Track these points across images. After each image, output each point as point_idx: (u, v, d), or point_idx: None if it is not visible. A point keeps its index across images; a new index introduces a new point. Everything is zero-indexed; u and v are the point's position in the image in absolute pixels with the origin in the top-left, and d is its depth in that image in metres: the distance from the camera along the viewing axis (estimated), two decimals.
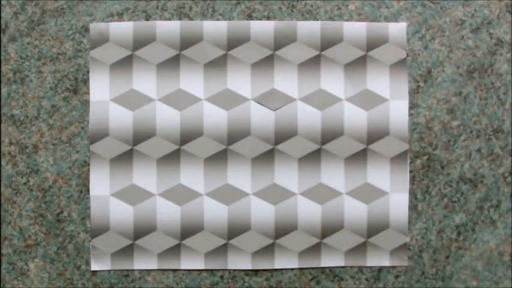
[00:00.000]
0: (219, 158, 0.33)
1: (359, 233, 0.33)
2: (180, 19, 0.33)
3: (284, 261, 0.33)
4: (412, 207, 0.33)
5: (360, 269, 0.33)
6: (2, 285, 0.32)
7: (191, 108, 0.33)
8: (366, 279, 0.33)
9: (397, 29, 0.33)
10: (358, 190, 0.33)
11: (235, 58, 0.33)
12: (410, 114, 0.33)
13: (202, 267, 0.33)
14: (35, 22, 0.33)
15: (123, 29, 0.33)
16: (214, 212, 0.32)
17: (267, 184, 0.33)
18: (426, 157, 0.33)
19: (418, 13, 0.33)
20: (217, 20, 0.33)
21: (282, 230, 0.33)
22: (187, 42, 0.33)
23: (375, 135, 0.32)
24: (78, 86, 0.33)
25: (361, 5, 0.33)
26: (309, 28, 0.33)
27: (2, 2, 0.33)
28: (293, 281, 0.33)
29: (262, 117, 0.33)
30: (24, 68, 0.33)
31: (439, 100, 0.33)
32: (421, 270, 0.33)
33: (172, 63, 0.33)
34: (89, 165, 0.33)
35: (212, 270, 0.33)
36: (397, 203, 0.33)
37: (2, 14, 0.33)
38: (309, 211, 0.32)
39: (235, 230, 0.33)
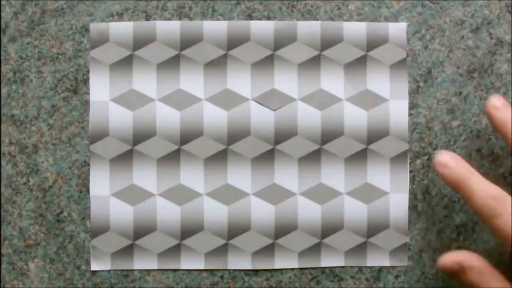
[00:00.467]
0: (219, 158, 0.33)
1: (359, 233, 0.33)
2: (180, 19, 0.33)
3: (284, 261, 0.33)
4: (412, 207, 0.33)
5: (360, 269, 0.33)
6: (2, 285, 0.32)
7: (191, 108, 0.33)
8: (366, 279, 0.33)
9: (397, 29, 0.33)
10: (358, 190, 0.33)
11: (235, 58, 0.33)
12: (410, 114, 0.33)
13: (202, 267, 0.33)
14: (35, 22, 0.33)
15: (123, 29, 0.33)
16: (214, 212, 0.32)
17: (267, 184, 0.33)
18: (426, 157, 0.33)
19: (418, 13, 0.33)
20: (217, 20, 0.33)
21: (282, 230, 0.33)
22: (187, 42, 0.33)
23: (375, 135, 0.32)
24: (78, 86, 0.33)
25: (361, 5, 0.33)
26: (309, 28, 0.33)
27: (2, 2, 0.33)
28: (293, 281, 0.33)
29: (262, 117, 0.33)
30: (24, 68, 0.33)
31: (439, 100, 0.33)
32: (421, 270, 0.33)
33: (172, 63, 0.33)
34: (89, 165, 0.33)
35: (212, 270, 0.33)
36: (397, 203, 0.33)
37: (2, 14, 0.33)
38: (309, 211, 0.32)
39: (235, 230, 0.33)
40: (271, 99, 0.33)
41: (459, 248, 0.33)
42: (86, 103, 0.33)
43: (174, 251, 0.32)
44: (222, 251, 0.33)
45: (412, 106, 0.33)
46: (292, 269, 0.33)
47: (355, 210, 0.32)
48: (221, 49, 0.33)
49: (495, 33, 0.33)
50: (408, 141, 0.33)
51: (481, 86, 0.33)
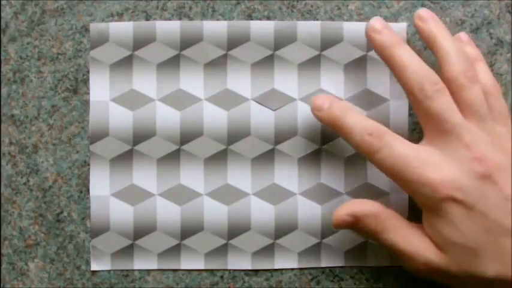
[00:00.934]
0: (219, 158, 0.33)
1: None
2: (180, 19, 0.33)
3: (284, 261, 0.33)
4: (412, 207, 0.33)
5: (360, 269, 0.33)
6: (2, 285, 0.32)
7: (191, 108, 0.33)
8: (366, 279, 0.33)
9: (397, 29, 0.33)
10: (358, 190, 0.33)
11: (235, 58, 0.33)
12: (410, 114, 0.33)
13: (202, 267, 0.33)
14: (35, 22, 0.33)
15: (123, 29, 0.33)
16: (214, 212, 0.32)
17: (267, 184, 0.33)
18: None
19: None
20: (217, 20, 0.33)
21: (282, 230, 0.33)
22: (187, 42, 0.33)
23: None
24: (78, 86, 0.33)
25: (361, 5, 0.33)
26: (309, 28, 0.33)
27: (2, 2, 0.33)
28: (293, 281, 0.33)
29: (262, 117, 0.33)
30: (24, 68, 0.33)
31: None
32: None
33: (172, 63, 0.33)
34: (89, 165, 0.33)
35: (212, 270, 0.33)
36: (397, 203, 0.33)
37: (2, 14, 0.33)
38: (308, 211, 0.32)
39: (235, 230, 0.33)
40: (271, 99, 0.33)
41: None
42: (86, 103, 0.33)
43: (174, 251, 0.32)
44: (222, 251, 0.33)
45: None
46: (292, 269, 0.33)
47: None
48: (221, 49, 0.33)
49: (495, 33, 0.33)
50: None
51: None
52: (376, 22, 0.30)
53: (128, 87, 0.33)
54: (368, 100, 0.33)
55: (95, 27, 0.33)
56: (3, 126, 0.33)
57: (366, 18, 0.33)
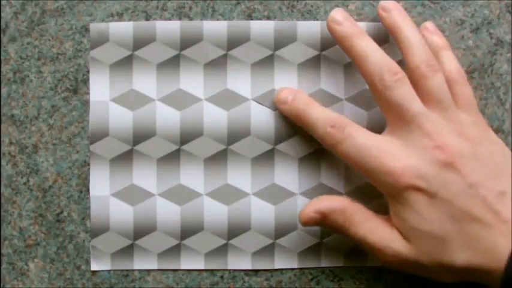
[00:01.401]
0: (219, 158, 0.33)
1: None
2: (180, 19, 0.33)
3: (284, 261, 0.33)
4: None
5: (360, 269, 0.33)
6: (2, 285, 0.32)
7: (191, 108, 0.33)
8: (366, 279, 0.33)
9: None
10: (358, 190, 0.33)
11: (235, 58, 0.33)
12: None
13: (202, 267, 0.33)
14: (35, 22, 0.33)
15: (123, 29, 0.33)
16: (214, 212, 0.32)
17: (267, 184, 0.33)
18: None
19: (418, 13, 0.33)
20: (217, 20, 0.33)
21: (282, 230, 0.33)
22: (187, 42, 0.33)
23: None
24: (78, 86, 0.33)
25: (361, 5, 0.33)
26: (309, 28, 0.33)
27: (2, 2, 0.33)
28: (293, 281, 0.33)
29: (262, 117, 0.33)
30: (24, 68, 0.33)
31: None
32: None
33: (172, 63, 0.33)
34: (89, 165, 0.33)
35: (212, 270, 0.33)
36: None
37: (2, 14, 0.33)
38: None
39: (235, 230, 0.33)
40: (271, 99, 0.33)
41: None
42: (86, 103, 0.33)
43: (174, 251, 0.32)
44: (222, 251, 0.33)
45: None
46: (292, 269, 0.33)
47: None
48: (221, 49, 0.33)
49: (495, 33, 0.33)
50: None
51: (481, 86, 0.33)
52: (337, 13, 0.30)
53: (127, 87, 0.33)
54: (368, 100, 0.33)
55: (95, 27, 0.33)
56: (3, 126, 0.33)
57: (366, 18, 0.33)
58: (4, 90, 0.33)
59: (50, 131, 0.33)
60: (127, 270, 0.33)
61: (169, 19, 0.33)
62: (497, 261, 0.26)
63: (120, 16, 0.33)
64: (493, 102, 0.33)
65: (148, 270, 0.33)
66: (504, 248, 0.26)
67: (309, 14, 0.33)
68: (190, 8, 0.33)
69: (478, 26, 0.33)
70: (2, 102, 0.33)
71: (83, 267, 0.33)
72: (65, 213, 0.33)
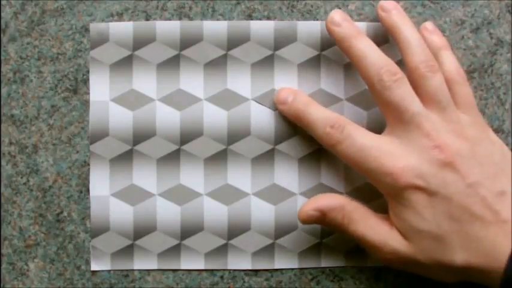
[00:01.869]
0: (219, 158, 0.33)
1: None
2: (180, 19, 0.33)
3: (284, 261, 0.33)
4: None
5: (360, 269, 0.33)
6: (2, 285, 0.32)
7: (191, 108, 0.33)
8: (366, 279, 0.33)
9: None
10: (358, 190, 0.33)
11: (235, 58, 0.33)
12: None
13: (202, 267, 0.33)
14: (35, 22, 0.33)
15: (123, 29, 0.33)
16: (214, 212, 0.32)
17: (267, 184, 0.33)
18: None
19: (418, 13, 0.33)
20: (217, 20, 0.33)
21: (282, 230, 0.33)
22: (187, 42, 0.33)
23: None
24: (78, 86, 0.33)
25: (361, 5, 0.33)
26: (309, 28, 0.33)
27: (2, 2, 0.33)
28: (293, 281, 0.33)
29: (262, 117, 0.33)
30: (24, 68, 0.33)
31: None
32: None
33: (172, 63, 0.33)
34: (89, 165, 0.33)
35: (212, 270, 0.33)
36: None
37: (2, 14, 0.33)
38: None
39: (235, 230, 0.33)
40: (271, 99, 0.33)
41: None
42: (86, 103, 0.33)
43: (174, 251, 0.32)
44: (222, 251, 0.33)
45: None
46: (292, 269, 0.33)
47: None
48: (221, 49, 0.33)
49: (495, 33, 0.33)
50: None
51: (481, 86, 0.33)
52: (336, 15, 0.30)
53: (128, 87, 0.33)
54: (368, 100, 0.33)
55: (95, 27, 0.33)
56: (3, 126, 0.33)
57: (366, 18, 0.33)
58: (4, 90, 0.33)
59: (50, 131, 0.33)
60: (127, 270, 0.33)
61: (169, 19, 0.33)
62: (497, 261, 0.26)
63: (120, 16, 0.33)
64: (493, 102, 0.33)
65: (148, 270, 0.33)
66: (504, 248, 0.26)
67: (309, 14, 0.33)
68: (190, 8, 0.33)
69: (478, 26, 0.33)
70: (2, 102, 0.33)
71: (83, 267, 0.33)
72: (65, 213, 0.33)
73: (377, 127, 0.32)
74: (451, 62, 0.30)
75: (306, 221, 0.29)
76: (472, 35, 0.33)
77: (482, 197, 0.27)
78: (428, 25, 0.31)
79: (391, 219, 0.29)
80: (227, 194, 0.33)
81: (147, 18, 0.33)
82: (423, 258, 0.28)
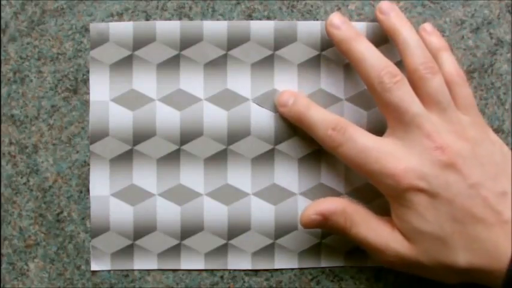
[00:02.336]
0: (219, 158, 0.33)
1: None
2: (180, 19, 0.33)
3: (284, 261, 0.33)
4: None
5: (360, 269, 0.33)
6: (2, 285, 0.32)
7: (191, 108, 0.33)
8: (366, 279, 0.33)
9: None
10: (358, 190, 0.33)
11: (235, 58, 0.33)
12: None
13: (202, 267, 0.33)
14: (35, 22, 0.33)
15: (123, 29, 0.33)
16: (214, 212, 0.32)
17: (267, 184, 0.33)
18: None
19: (418, 13, 0.33)
20: (217, 20, 0.33)
21: (282, 230, 0.33)
22: (187, 42, 0.33)
23: (375, 135, 0.32)
24: (78, 86, 0.33)
25: (361, 5, 0.33)
26: (309, 28, 0.33)
27: (2, 2, 0.33)
28: (293, 281, 0.33)
29: (262, 117, 0.33)
30: (24, 68, 0.33)
31: None
32: None
33: (172, 63, 0.33)
34: (88, 165, 0.33)
35: (212, 270, 0.33)
36: None
37: (2, 14, 0.33)
38: None
39: (235, 230, 0.33)
40: (272, 101, 0.33)
41: None
42: (86, 103, 0.33)
43: (174, 251, 0.32)
44: (222, 251, 0.33)
45: None
46: (292, 269, 0.33)
47: None
48: (221, 49, 0.33)
49: (495, 33, 0.33)
50: None
51: (481, 86, 0.33)
52: (335, 17, 0.30)
53: (128, 87, 0.33)
54: (368, 100, 0.33)
55: (95, 27, 0.33)
56: (3, 126, 0.33)
57: (366, 19, 0.33)
58: (4, 90, 0.33)
59: (50, 131, 0.33)
60: (127, 270, 0.33)
61: (169, 19, 0.33)
62: (499, 262, 0.26)
63: (120, 16, 0.33)
64: (493, 102, 0.33)
65: (148, 270, 0.33)
66: (506, 249, 0.26)
67: (309, 14, 0.33)
68: (190, 8, 0.33)
69: (478, 26, 0.33)
70: (2, 102, 0.33)
71: (83, 267, 0.33)
72: (65, 213, 0.33)
73: (377, 127, 0.32)
74: (450, 63, 0.30)
75: (308, 225, 0.29)
76: (472, 35, 0.33)
77: (483, 197, 0.27)
78: (427, 26, 0.31)
79: (392, 221, 0.29)
80: (227, 194, 0.33)
81: (147, 18, 0.33)
82: (426, 259, 0.28)
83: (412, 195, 0.27)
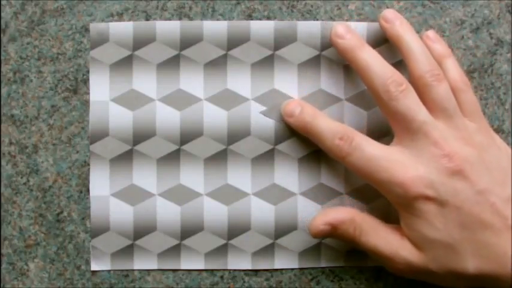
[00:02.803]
0: (219, 158, 0.33)
1: None
2: (180, 19, 0.33)
3: (284, 261, 0.33)
4: None
5: (360, 269, 0.33)
6: (2, 285, 0.32)
7: (191, 108, 0.33)
8: (366, 279, 0.33)
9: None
10: (358, 190, 0.33)
11: (235, 58, 0.33)
12: None
13: (202, 267, 0.33)
14: (35, 22, 0.33)
15: (123, 29, 0.33)
16: (214, 212, 0.32)
17: (267, 184, 0.33)
18: None
19: (418, 13, 0.33)
20: (217, 20, 0.33)
21: (282, 230, 0.33)
22: (187, 42, 0.33)
23: (375, 135, 0.32)
24: (78, 86, 0.33)
25: (361, 5, 0.33)
26: (309, 28, 0.33)
27: (2, 2, 0.33)
28: (293, 281, 0.33)
29: (262, 117, 0.33)
30: (24, 68, 0.33)
31: None
32: None
33: (172, 63, 0.33)
34: (88, 165, 0.33)
35: (212, 270, 0.33)
36: None
37: (2, 14, 0.33)
38: (309, 211, 0.32)
39: (235, 230, 0.33)
40: (278, 111, 0.32)
41: None
42: (86, 103, 0.33)
43: (174, 251, 0.32)
44: (222, 251, 0.33)
45: None
46: (292, 269, 0.33)
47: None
48: (221, 49, 0.33)
49: (495, 33, 0.33)
50: None
51: (481, 86, 0.33)
52: (339, 27, 0.30)
53: (128, 87, 0.33)
54: (368, 100, 0.33)
55: (95, 27, 0.33)
56: (3, 126, 0.33)
57: (366, 18, 0.33)
58: (4, 90, 0.33)
59: (50, 131, 0.33)
60: (127, 270, 0.33)
61: (169, 19, 0.33)
62: (508, 267, 0.26)
63: (120, 16, 0.33)
64: (493, 102, 0.33)
65: (148, 270, 0.33)
66: None
67: (309, 14, 0.33)
68: (190, 8, 0.33)
69: (478, 26, 0.33)
70: (2, 102, 0.33)
71: (83, 267, 0.33)
72: (65, 213, 0.33)
73: (377, 127, 0.32)
74: (455, 69, 0.30)
75: (317, 235, 0.30)
76: (472, 35, 0.33)
77: (491, 203, 0.27)
78: (430, 33, 0.31)
79: (401, 229, 0.29)
80: (227, 194, 0.33)
81: (147, 18, 0.33)
82: (435, 267, 0.28)
83: (421, 204, 0.27)
